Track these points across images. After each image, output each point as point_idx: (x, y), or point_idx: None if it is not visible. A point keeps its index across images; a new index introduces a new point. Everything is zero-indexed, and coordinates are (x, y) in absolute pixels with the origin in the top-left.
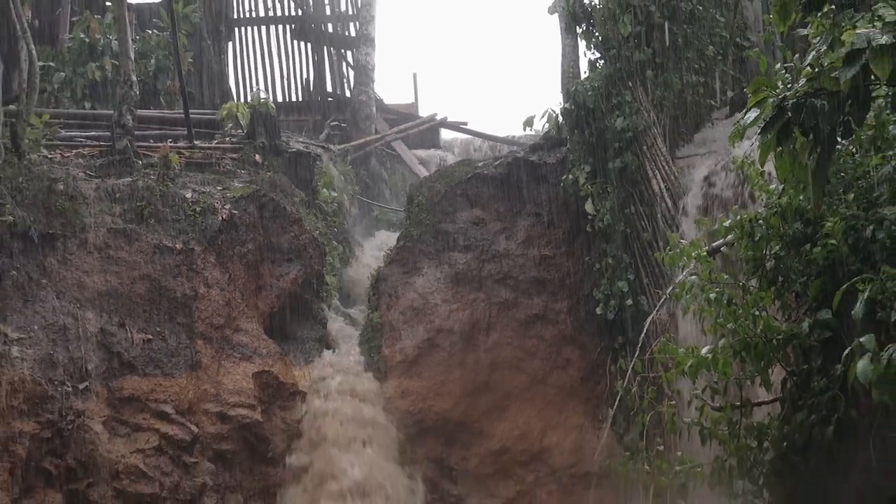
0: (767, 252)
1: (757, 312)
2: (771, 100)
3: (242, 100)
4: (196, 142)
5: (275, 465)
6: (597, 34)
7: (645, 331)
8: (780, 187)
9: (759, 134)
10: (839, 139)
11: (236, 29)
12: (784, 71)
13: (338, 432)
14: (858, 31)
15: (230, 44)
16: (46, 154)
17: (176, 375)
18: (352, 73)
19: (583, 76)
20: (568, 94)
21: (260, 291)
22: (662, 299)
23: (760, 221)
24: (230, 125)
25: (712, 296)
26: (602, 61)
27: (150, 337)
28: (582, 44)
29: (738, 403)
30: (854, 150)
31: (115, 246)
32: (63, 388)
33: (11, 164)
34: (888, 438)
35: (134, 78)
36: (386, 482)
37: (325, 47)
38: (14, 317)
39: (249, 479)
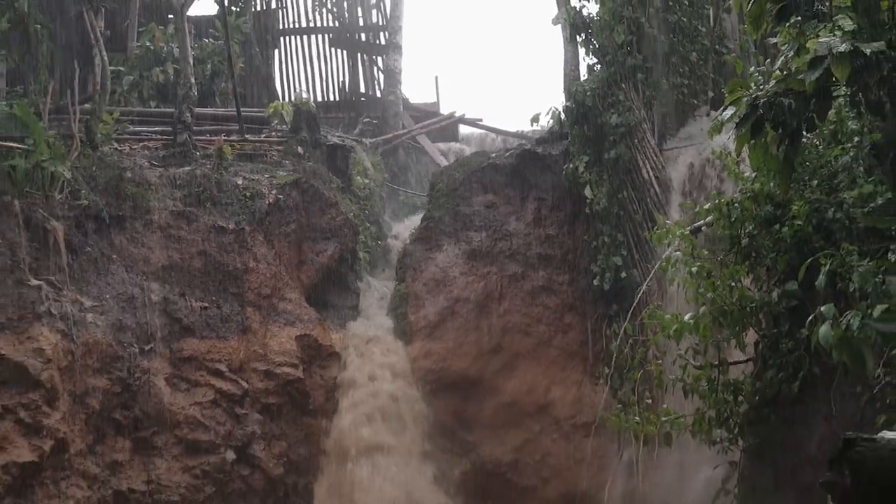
0: (742, 231)
1: (733, 284)
2: (745, 99)
3: (287, 99)
4: (246, 136)
5: (314, 416)
6: (594, 42)
7: (636, 300)
8: (753, 175)
9: (734, 128)
10: (804, 133)
11: (281, 38)
12: (757, 74)
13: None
14: (821, 40)
15: (276, 51)
16: (117, 146)
17: (229, 338)
18: (382, 76)
19: (582, 78)
20: (569, 93)
21: (301, 265)
22: (651, 272)
23: (736, 204)
24: (276, 121)
25: (694, 269)
26: (599, 66)
27: (207, 305)
28: (581, 50)
29: (717, 363)
30: (817, 142)
31: (176, 226)
32: (131, 349)
33: (86, 155)
34: (846, 393)
35: (192, 80)
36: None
37: (358, 54)
38: (89, 287)
39: (293, 429)
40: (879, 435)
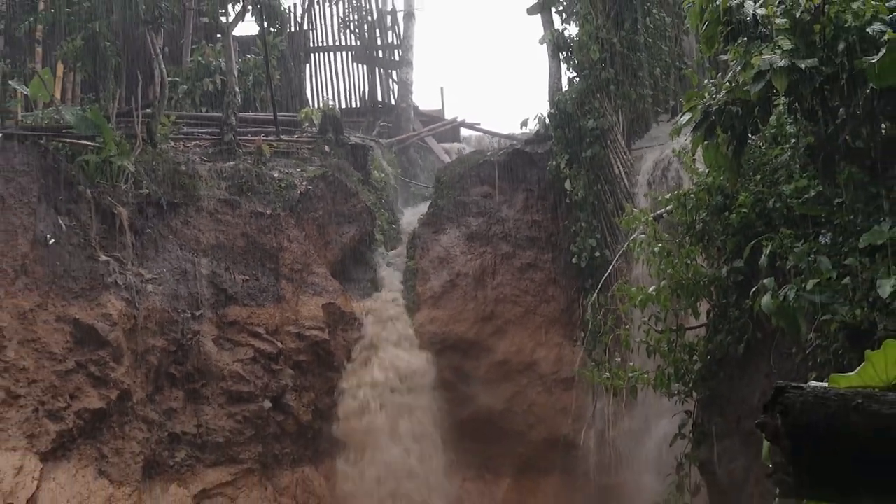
0: (696, 217)
1: (688, 262)
2: (700, 106)
3: (316, 106)
4: (282, 136)
5: (338, 371)
6: (574, 59)
7: (607, 275)
8: (706, 170)
9: (691, 131)
10: (749, 135)
11: (312, 55)
12: (710, 86)
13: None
14: (764, 57)
15: (307, 65)
16: (173, 144)
17: (266, 306)
18: (396, 87)
19: (564, 89)
20: (553, 102)
21: (327, 245)
22: (620, 252)
23: (692, 195)
24: (307, 124)
25: (656, 249)
26: (577, 79)
27: (248, 278)
28: (563, 66)
29: (675, 328)
30: (761, 143)
31: (222, 211)
32: (184, 315)
33: (147, 151)
34: (783, 353)
35: (237, 90)
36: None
37: (376, 68)
38: (149, 263)
39: (319, 382)
40: (806, 384)
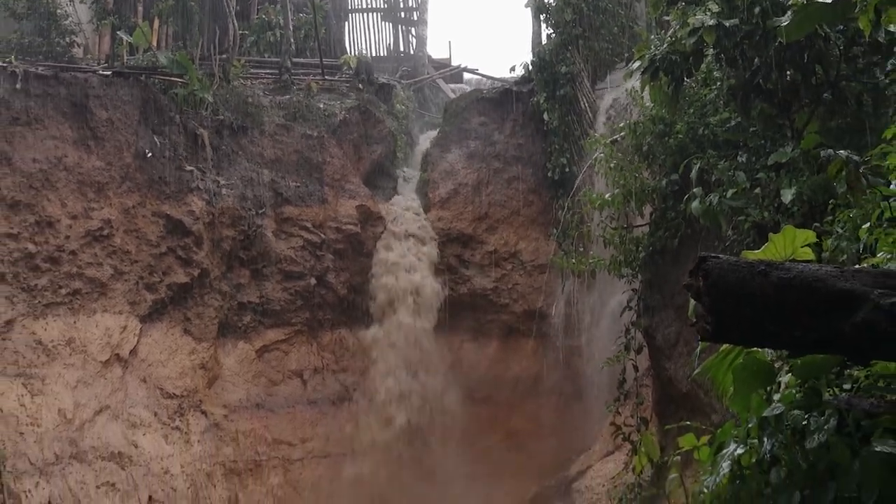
0: (643, 141)
1: (637, 175)
2: (647, 56)
3: (352, 54)
4: (325, 77)
5: (367, 256)
6: (552, 19)
7: (575, 185)
8: (652, 105)
9: (640, 75)
10: (685, 78)
11: (350, 14)
12: (655, 40)
13: (402, 240)
14: (697, 17)
15: (346, 22)
16: (242, 82)
17: (312, 206)
18: (414, 40)
19: (543, 43)
20: (535, 52)
21: (360, 160)
22: (585, 168)
23: (640, 124)
24: (345, 68)
25: (612, 165)
26: (554, 34)
27: (299, 184)
28: (543, 25)
29: (625, 226)
30: (694, 84)
31: (280, 133)
32: (250, 212)
33: (222, 86)
34: (708, 246)
35: (291, 41)
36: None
37: (399, 25)
38: (223, 172)
39: (353, 264)
40: (722, 256)
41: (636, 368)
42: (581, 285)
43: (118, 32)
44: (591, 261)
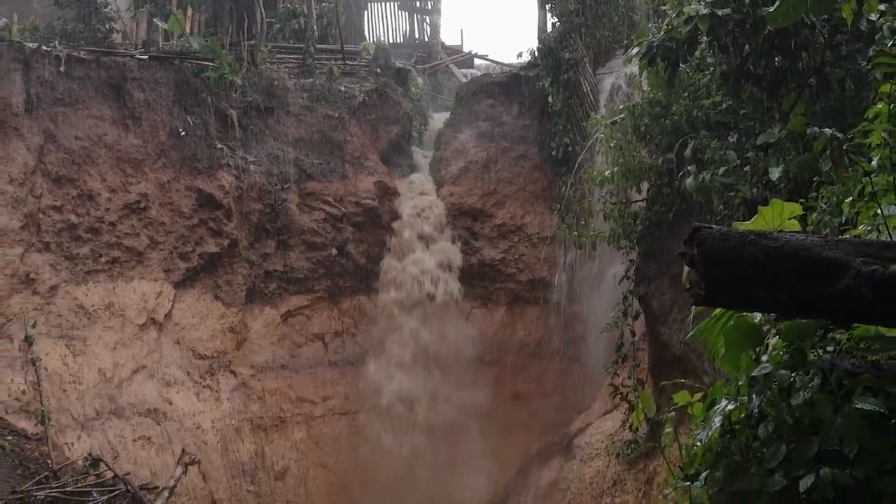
0: (641, 122)
1: (635, 153)
2: (645, 43)
3: (371, 41)
4: (346, 62)
5: (385, 229)
6: (556, 8)
7: (577, 163)
8: (649, 89)
9: (639, 61)
10: (680, 64)
11: (369, 4)
12: (653, 28)
13: (418, 213)
14: (692, 6)
15: (366, 11)
16: (269, 66)
17: (334, 181)
18: (429, 28)
19: (549, 30)
20: (541, 39)
21: (378, 139)
22: (587, 146)
23: (638, 107)
24: (365, 54)
25: (612, 144)
26: (558, 23)
27: (321, 161)
28: (548, 14)
29: (624, 201)
30: (688, 70)
31: (304, 114)
32: (276, 187)
33: (250, 70)
34: (700, 220)
35: (315, 28)
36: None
37: (415, 14)
38: (251, 149)
39: (371, 236)
40: (715, 226)
41: (633, 333)
42: (582, 256)
43: (154, 19)
44: (591, 233)
